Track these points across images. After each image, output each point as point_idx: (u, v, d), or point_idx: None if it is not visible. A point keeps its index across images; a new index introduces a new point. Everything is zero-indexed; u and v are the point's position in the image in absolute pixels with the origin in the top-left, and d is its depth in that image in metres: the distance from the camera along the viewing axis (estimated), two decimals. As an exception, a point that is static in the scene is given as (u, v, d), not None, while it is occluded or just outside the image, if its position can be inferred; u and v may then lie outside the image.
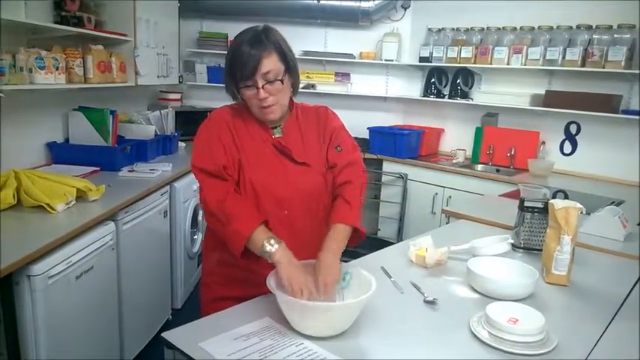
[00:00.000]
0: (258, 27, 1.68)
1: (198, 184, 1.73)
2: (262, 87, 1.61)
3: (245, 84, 1.63)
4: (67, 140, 3.39)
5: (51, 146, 3.27)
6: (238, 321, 1.47)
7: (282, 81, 1.64)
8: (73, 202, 2.47)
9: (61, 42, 3.04)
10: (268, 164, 1.72)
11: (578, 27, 4.07)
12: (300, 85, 1.84)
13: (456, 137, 5.09)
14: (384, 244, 2.54)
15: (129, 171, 3.29)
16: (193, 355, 1.29)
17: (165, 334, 1.36)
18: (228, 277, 1.78)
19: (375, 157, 4.92)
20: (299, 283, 1.46)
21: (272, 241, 1.53)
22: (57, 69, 2.86)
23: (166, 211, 3.32)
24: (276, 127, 1.77)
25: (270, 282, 1.46)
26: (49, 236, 2.04)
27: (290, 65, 1.68)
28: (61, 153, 3.28)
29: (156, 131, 3.92)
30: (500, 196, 3.38)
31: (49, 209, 2.34)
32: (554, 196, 3.34)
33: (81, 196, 2.55)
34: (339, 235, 1.64)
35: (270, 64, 1.61)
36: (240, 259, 1.57)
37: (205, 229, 1.89)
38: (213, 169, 1.65)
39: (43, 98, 3.13)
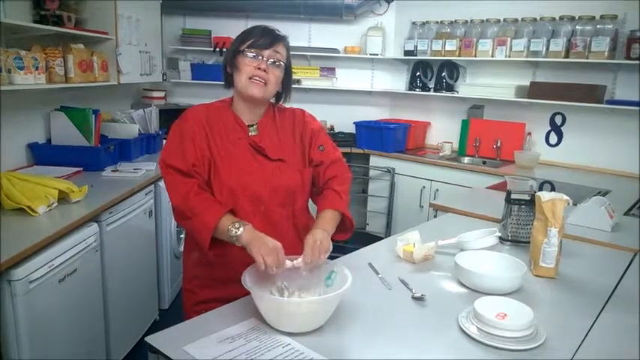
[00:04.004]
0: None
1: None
2: (267, 61, 1.67)
3: (252, 51, 1.67)
4: (49, 141, 3.34)
5: (32, 147, 3.22)
6: (224, 323, 1.44)
7: (281, 71, 1.72)
8: (54, 204, 2.43)
9: (40, 41, 2.98)
10: (244, 162, 1.72)
11: (561, 18, 4.08)
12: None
13: (442, 130, 5.09)
14: (372, 238, 2.53)
15: (112, 171, 3.25)
16: (178, 359, 1.26)
17: (148, 339, 1.33)
18: (210, 278, 1.76)
19: (361, 151, 4.91)
20: (270, 257, 1.47)
21: (237, 225, 1.55)
22: (37, 69, 2.81)
23: (151, 211, 3.29)
24: (252, 126, 1.77)
25: (245, 279, 1.45)
26: (30, 239, 2.00)
27: (289, 70, 1.77)
28: (43, 154, 3.23)
29: (139, 130, 3.88)
30: (487, 188, 3.38)
31: (30, 212, 2.30)
32: (540, 188, 3.35)
33: (63, 198, 2.51)
34: (327, 219, 1.70)
35: (281, 49, 1.72)
36: (208, 252, 1.59)
37: (185, 231, 1.87)
38: (182, 167, 1.65)
39: (23, 99, 3.08)
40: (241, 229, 1.54)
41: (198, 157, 1.67)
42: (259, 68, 1.67)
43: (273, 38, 1.69)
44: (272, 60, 1.68)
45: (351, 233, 1.82)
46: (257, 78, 1.67)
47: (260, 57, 1.67)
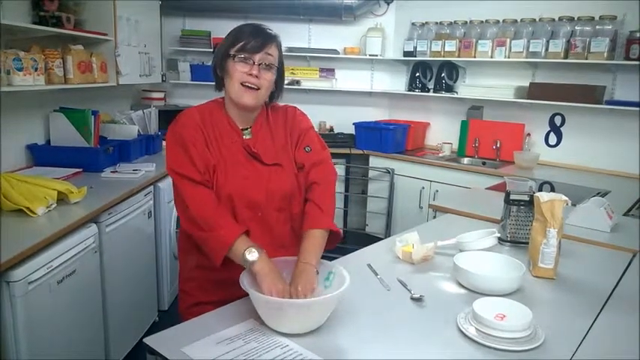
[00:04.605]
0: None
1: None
2: (258, 65, 1.63)
3: (242, 55, 1.62)
4: (48, 142, 3.34)
5: (32, 148, 3.22)
6: (222, 324, 1.44)
7: (273, 73, 1.68)
8: (54, 205, 2.43)
9: (40, 42, 2.98)
10: (240, 167, 1.69)
11: (560, 19, 4.08)
12: (285, 82, 1.82)
13: (442, 131, 5.09)
14: (372, 239, 2.53)
15: (112, 172, 3.25)
16: (176, 360, 1.26)
17: (147, 340, 1.33)
18: (207, 280, 1.75)
19: (361, 152, 4.91)
20: (279, 294, 1.46)
21: (252, 249, 1.51)
22: (36, 70, 2.81)
23: (150, 212, 3.28)
24: (246, 129, 1.74)
25: (244, 281, 1.45)
26: (29, 241, 2.00)
27: (281, 69, 1.73)
28: (43, 155, 3.23)
29: (139, 131, 3.88)
30: (486, 189, 3.38)
31: (29, 213, 2.29)
32: (540, 188, 3.35)
33: (62, 199, 2.50)
34: (314, 243, 1.63)
35: (272, 51, 1.66)
36: (218, 267, 1.56)
37: (179, 233, 1.85)
38: (196, 176, 1.61)
39: (22, 100, 3.07)
40: (256, 255, 1.50)
41: (204, 164, 1.63)
42: (250, 74, 1.62)
43: (263, 40, 1.63)
44: (263, 63, 1.63)
45: (338, 240, 1.75)
46: (248, 84, 1.63)
47: (251, 61, 1.62)
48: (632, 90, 3.88)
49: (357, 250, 2.11)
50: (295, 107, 1.87)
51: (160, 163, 3.56)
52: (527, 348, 1.34)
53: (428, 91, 5.00)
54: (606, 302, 1.68)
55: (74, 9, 3.34)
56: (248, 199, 1.68)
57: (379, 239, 2.39)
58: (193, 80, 5.07)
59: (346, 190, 5.13)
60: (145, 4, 4.29)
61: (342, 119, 5.20)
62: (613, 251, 2.20)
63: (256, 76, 1.63)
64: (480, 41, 4.46)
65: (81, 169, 3.19)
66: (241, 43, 1.62)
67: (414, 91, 5.05)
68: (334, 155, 1.92)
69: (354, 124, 5.06)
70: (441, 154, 4.78)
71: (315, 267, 1.57)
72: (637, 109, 3.75)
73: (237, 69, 1.63)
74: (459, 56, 4.62)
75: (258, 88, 1.65)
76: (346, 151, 4.91)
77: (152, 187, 3.28)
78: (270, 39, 1.66)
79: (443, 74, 4.84)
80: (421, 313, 1.58)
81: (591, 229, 2.39)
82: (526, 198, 2.18)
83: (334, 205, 1.77)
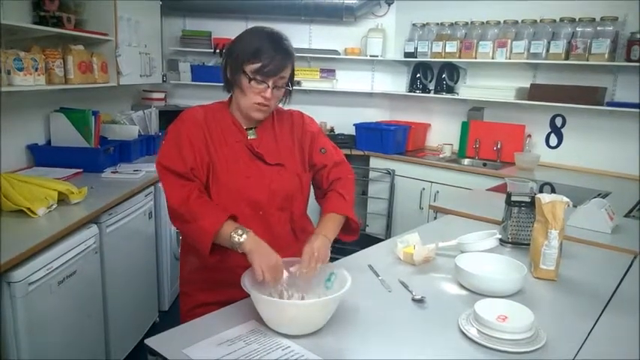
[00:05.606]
0: (279, 31, 1.69)
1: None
2: (272, 88, 1.63)
3: (257, 78, 1.61)
4: (48, 142, 3.33)
5: (32, 148, 3.22)
6: (223, 325, 1.44)
7: (285, 89, 1.70)
8: (54, 206, 2.43)
9: (40, 42, 2.98)
10: (243, 166, 1.71)
11: (561, 20, 4.08)
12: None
13: (443, 132, 5.09)
14: (372, 240, 2.53)
15: (112, 172, 3.25)
16: (177, 361, 1.26)
17: (148, 341, 1.33)
18: (208, 281, 1.75)
19: (361, 153, 4.91)
20: (270, 273, 1.48)
21: (239, 232, 1.53)
22: (36, 70, 2.81)
23: (151, 212, 3.28)
24: (250, 129, 1.75)
25: (245, 281, 1.45)
26: (29, 241, 2.00)
27: (291, 78, 1.74)
28: (43, 155, 3.23)
29: (139, 131, 3.88)
30: (487, 190, 3.37)
31: (29, 213, 2.29)
32: (541, 190, 3.35)
33: (63, 199, 2.50)
34: (331, 225, 1.70)
35: (287, 72, 1.68)
36: (208, 257, 1.57)
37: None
38: (180, 170, 1.63)
39: (22, 100, 3.07)
40: (244, 236, 1.52)
41: (197, 161, 1.65)
42: (264, 96, 1.63)
43: (281, 63, 1.62)
44: (277, 86, 1.65)
45: (357, 235, 1.82)
46: (262, 105, 1.65)
47: (265, 85, 1.62)
48: (632, 91, 3.87)
49: (357, 251, 2.11)
50: (301, 112, 1.89)
51: (161, 163, 3.56)
52: (528, 349, 1.34)
53: (429, 92, 4.99)
54: (608, 304, 1.67)
55: (75, 9, 3.34)
56: (250, 197, 1.69)
57: (380, 240, 2.39)
58: (194, 81, 5.05)
59: (347, 190, 5.11)
60: (146, 4, 4.29)
61: (343, 120, 5.19)
62: (614, 253, 2.20)
63: (271, 98, 1.64)
64: (480, 42, 4.45)
65: (81, 170, 3.19)
66: (258, 65, 1.60)
67: (414, 92, 5.04)
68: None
69: (354, 124, 5.05)
70: (441, 155, 4.77)
71: (330, 241, 1.64)
72: (638, 110, 3.75)
73: (252, 90, 1.64)
74: (459, 57, 4.61)
75: (271, 106, 1.68)
76: (347, 152, 4.88)
77: (153, 187, 3.28)
78: (287, 61, 1.65)
79: (444, 75, 4.83)
80: (422, 315, 1.58)
81: (592, 230, 2.39)
82: (527, 199, 2.18)
83: (354, 200, 1.82)
